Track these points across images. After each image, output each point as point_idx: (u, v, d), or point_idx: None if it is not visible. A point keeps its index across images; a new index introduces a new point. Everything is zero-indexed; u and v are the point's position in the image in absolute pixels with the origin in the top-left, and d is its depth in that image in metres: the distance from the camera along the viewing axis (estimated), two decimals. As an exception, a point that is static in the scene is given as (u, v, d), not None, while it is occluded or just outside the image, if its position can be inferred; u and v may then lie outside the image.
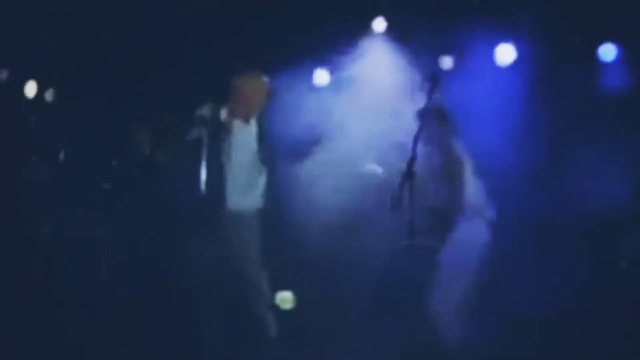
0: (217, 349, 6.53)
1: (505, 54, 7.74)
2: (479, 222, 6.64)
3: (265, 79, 6.72)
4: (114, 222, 7.28)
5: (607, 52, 7.66)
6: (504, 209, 6.75)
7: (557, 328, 6.86)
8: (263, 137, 6.62)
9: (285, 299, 7.25)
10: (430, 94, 6.45)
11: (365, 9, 7.88)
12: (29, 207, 7.49)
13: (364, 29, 7.97)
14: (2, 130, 7.65)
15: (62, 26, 7.88)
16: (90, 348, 6.50)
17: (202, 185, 6.50)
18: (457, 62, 7.76)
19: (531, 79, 7.57)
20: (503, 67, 7.75)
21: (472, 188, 6.66)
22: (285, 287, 7.22)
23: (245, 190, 6.59)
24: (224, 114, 6.57)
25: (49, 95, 8.40)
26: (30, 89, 8.27)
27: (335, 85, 7.99)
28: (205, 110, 6.53)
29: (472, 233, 6.60)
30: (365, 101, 7.62)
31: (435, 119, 6.65)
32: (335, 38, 7.84)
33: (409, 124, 6.77)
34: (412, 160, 6.27)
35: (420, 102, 6.66)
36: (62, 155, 8.10)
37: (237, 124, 6.62)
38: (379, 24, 7.97)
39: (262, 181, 6.65)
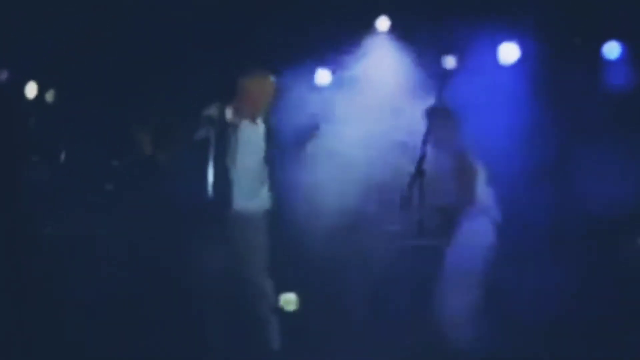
0: (218, 351, 6.48)
1: (509, 52, 7.74)
2: (485, 222, 6.60)
3: (272, 78, 6.68)
4: (114, 223, 7.23)
5: (611, 50, 7.67)
6: (507, 208, 6.72)
7: (563, 329, 6.85)
8: (270, 136, 6.59)
9: (289, 300, 7.21)
10: (440, 93, 6.44)
11: (368, 8, 7.88)
12: (29, 207, 7.45)
13: (368, 27, 7.98)
14: (2, 130, 7.62)
15: (62, 26, 7.87)
16: (90, 348, 6.45)
17: (209, 186, 6.45)
18: (460, 61, 7.75)
19: (535, 77, 7.58)
20: (506, 66, 7.75)
21: (484, 193, 6.63)
22: (289, 289, 7.19)
23: (253, 191, 6.54)
24: (230, 113, 6.52)
25: (49, 96, 8.42)
26: (31, 89, 8.26)
27: (338, 84, 7.97)
28: (212, 110, 6.49)
29: (478, 234, 6.57)
30: (368, 100, 7.61)
31: (443, 118, 6.63)
32: (339, 37, 7.84)
33: (413, 123, 6.76)
34: (421, 159, 6.25)
35: (428, 100, 6.66)
36: (62, 156, 8.08)
37: (244, 124, 6.58)
38: (383, 23, 7.98)
39: (269, 182, 6.61)
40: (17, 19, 7.70)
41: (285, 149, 6.64)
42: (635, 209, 7.37)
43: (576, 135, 7.55)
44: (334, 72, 8.07)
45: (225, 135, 6.47)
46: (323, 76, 8.09)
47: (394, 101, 7.58)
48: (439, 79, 6.55)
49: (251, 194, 6.52)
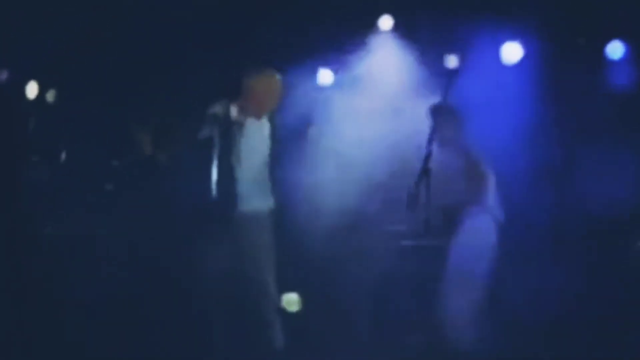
0: (219, 351, 6.45)
1: (512, 52, 7.73)
2: (487, 221, 6.58)
3: (278, 77, 6.65)
4: (114, 223, 7.21)
5: (615, 50, 7.67)
6: (509, 207, 6.72)
7: (564, 329, 6.83)
8: (275, 135, 6.56)
9: (291, 301, 7.18)
10: (446, 91, 6.44)
11: (371, 7, 7.87)
12: (29, 207, 7.43)
13: (370, 27, 7.97)
14: (2, 130, 7.61)
15: (62, 26, 7.86)
16: (91, 348, 6.44)
17: (213, 185, 6.42)
18: (463, 60, 7.74)
19: (537, 77, 7.58)
20: (509, 65, 7.74)
21: (493, 197, 6.62)
22: (291, 289, 7.16)
23: (258, 189, 6.51)
24: (235, 112, 6.49)
25: (49, 96, 8.40)
26: (31, 89, 8.25)
27: (341, 84, 7.95)
28: (217, 108, 6.46)
29: (481, 233, 6.55)
30: (371, 99, 7.59)
31: (447, 116, 6.62)
32: (341, 36, 7.83)
33: (416, 122, 6.75)
34: (427, 157, 6.24)
35: (432, 99, 6.65)
36: (62, 156, 8.06)
37: (249, 122, 6.55)
38: (385, 22, 7.96)
39: (274, 180, 6.58)
40: (17, 19, 7.68)
41: (286, 149, 6.64)
42: (638, 209, 7.37)
43: (579, 135, 7.56)
44: (336, 72, 8.05)
45: (230, 133, 6.44)
46: (326, 76, 8.07)
47: (397, 100, 7.57)
48: (446, 77, 6.53)
49: (256, 193, 6.50)
